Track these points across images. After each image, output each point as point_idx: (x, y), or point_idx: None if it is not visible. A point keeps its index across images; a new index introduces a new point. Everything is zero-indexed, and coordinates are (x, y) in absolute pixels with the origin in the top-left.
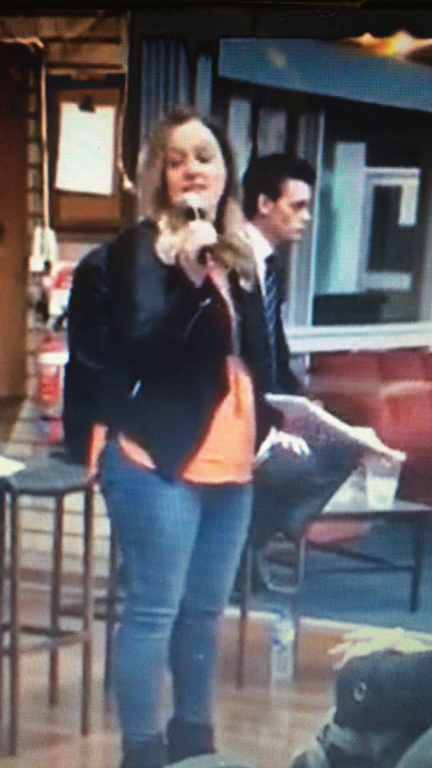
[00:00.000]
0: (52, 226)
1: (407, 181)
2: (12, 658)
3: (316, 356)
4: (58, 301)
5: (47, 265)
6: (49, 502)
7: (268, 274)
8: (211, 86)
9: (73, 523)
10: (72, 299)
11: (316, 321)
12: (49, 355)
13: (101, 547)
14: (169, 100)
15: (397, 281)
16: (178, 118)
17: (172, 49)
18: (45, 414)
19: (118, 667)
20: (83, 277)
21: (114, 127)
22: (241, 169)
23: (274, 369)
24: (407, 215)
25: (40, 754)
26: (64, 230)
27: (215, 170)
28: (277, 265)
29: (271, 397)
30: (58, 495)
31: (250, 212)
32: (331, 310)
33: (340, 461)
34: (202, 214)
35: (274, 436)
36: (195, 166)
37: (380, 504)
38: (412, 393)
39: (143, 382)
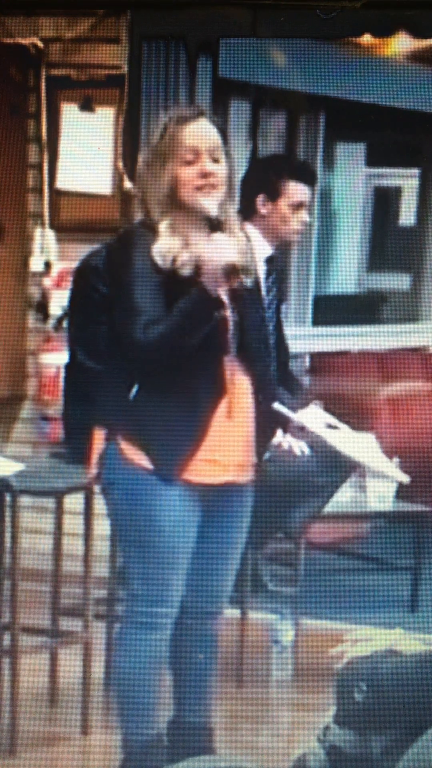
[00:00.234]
0: (52, 226)
1: (407, 181)
2: (12, 658)
3: (316, 356)
4: (58, 302)
5: (47, 265)
6: (49, 502)
7: (268, 274)
8: (211, 86)
9: (73, 523)
10: (72, 299)
11: (316, 321)
12: (49, 355)
13: (101, 547)
14: (169, 100)
15: (397, 281)
16: (188, 117)
17: (172, 49)
18: (45, 414)
19: (118, 667)
20: (83, 277)
21: (114, 127)
22: (241, 169)
23: (273, 369)
24: (407, 215)
25: (40, 754)
26: (64, 230)
27: (224, 170)
28: (277, 265)
29: (274, 407)
30: (58, 495)
31: (250, 212)
32: (331, 310)
33: (340, 461)
34: (220, 224)
35: (281, 438)
36: (209, 165)
37: (380, 504)
38: (412, 393)
39: (141, 384)
